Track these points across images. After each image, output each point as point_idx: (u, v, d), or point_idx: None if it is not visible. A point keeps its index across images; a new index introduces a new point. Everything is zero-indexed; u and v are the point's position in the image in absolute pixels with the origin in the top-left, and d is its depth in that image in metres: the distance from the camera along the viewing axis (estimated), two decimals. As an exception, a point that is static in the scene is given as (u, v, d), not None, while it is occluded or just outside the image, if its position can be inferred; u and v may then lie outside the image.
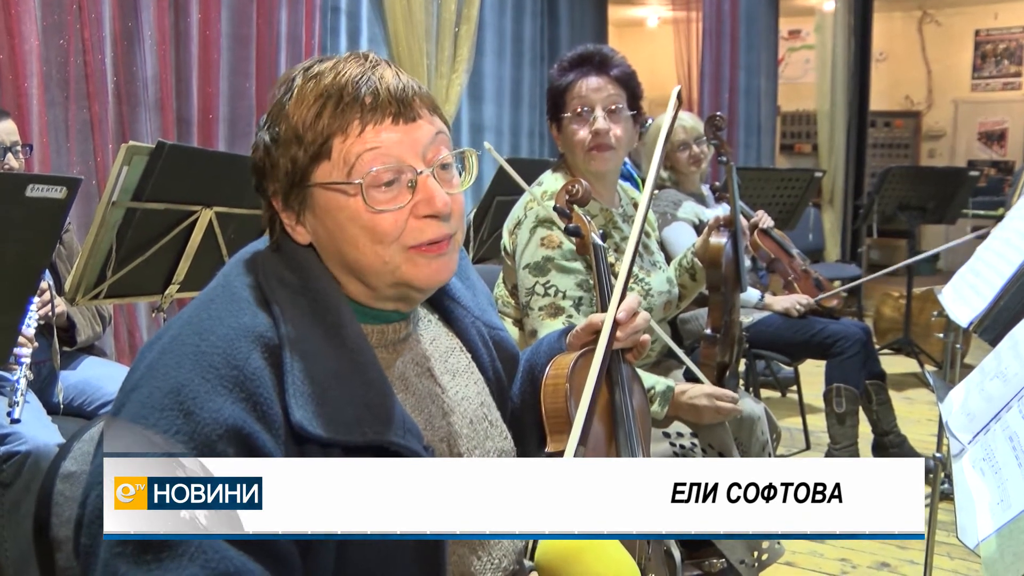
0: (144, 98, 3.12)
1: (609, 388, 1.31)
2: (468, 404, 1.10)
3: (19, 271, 1.74)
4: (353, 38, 4.24)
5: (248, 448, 0.84)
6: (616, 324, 1.24)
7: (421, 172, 0.95)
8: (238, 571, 0.81)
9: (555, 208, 1.59)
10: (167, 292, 2.20)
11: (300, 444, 0.88)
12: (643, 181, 3.72)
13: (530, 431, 1.26)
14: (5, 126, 2.30)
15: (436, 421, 1.05)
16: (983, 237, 1.92)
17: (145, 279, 2.14)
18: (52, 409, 2.24)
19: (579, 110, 1.90)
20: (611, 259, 1.88)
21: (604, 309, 1.29)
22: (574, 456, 1.10)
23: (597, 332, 1.24)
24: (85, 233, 2.10)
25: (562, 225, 1.83)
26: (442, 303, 1.16)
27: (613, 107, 1.90)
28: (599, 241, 1.54)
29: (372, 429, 0.91)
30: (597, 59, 1.92)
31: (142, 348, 0.95)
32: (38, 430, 2.04)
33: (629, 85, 1.94)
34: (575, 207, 1.57)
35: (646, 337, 1.32)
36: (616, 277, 1.32)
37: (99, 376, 2.39)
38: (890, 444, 3.38)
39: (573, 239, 1.58)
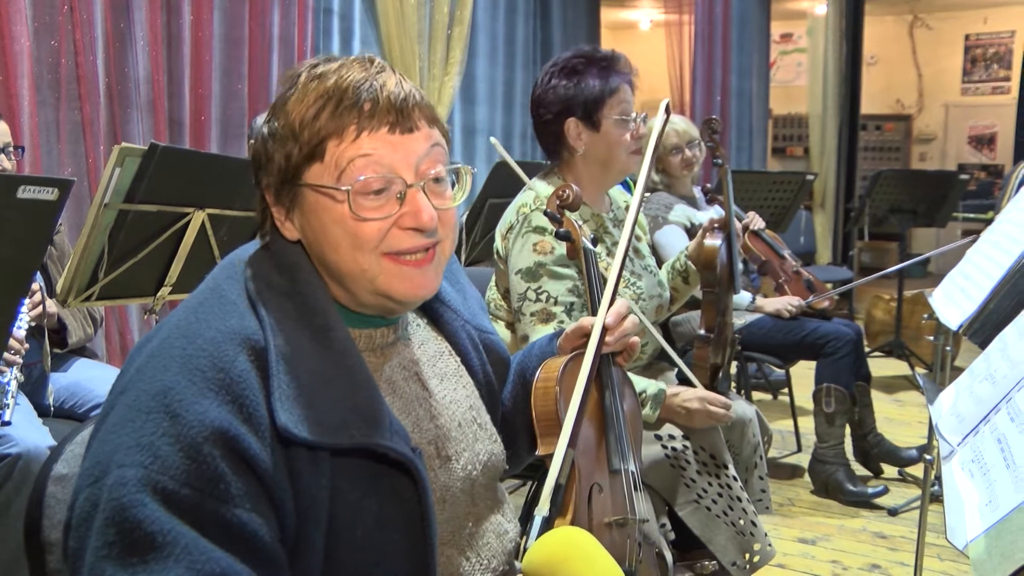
0: (136, 99, 3.11)
1: (599, 391, 1.32)
2: (456, 407, 1.10)
3: (10, 273, 1.73)
4: (346, 40, 4.24)
5: (234, 451, 0.83)
6: (605, 328, 1.25)
7: (411, 185, 0.96)
8: (224, 572, 0.81)
9: (546, 213, 1.60)
10: (159, 294, 2.19)
11: (287, 447, 0.87)
12: (633, 183, 3.73)
13: (521, 434, 1.27)
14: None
15: (424, 424, 1.05)
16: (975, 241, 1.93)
17: (137, 281, 2.14)
18: (43, 411, 2.23)
19: (625, 114, 1.93)
20: (603, 264, 1.89)
21: (595, 313, 1.29)
22: (563, 458, 1.11)
23: (587, 335, 1.25)
24: (76, 234, 2.09)
25: (554, 230, 1.84)
26: (432, 307, 1.16)
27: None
28: (590, 246, 1.54)
29: (359, 431, 0.91)
30: (623, 63, 1.96)
31: (132, 351, 0.94)
32: (28, 432, 2.03)
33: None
34: (566, 212, 1.58)
35: (635, 340, 1.33)
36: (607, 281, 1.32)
37: (90, 378, 2.38)
38: (869, 445, 3.40)
39: (564, 244, 1.59)
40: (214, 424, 0.83)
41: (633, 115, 1.94)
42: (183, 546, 0.79)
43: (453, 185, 1.02)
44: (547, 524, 1.06)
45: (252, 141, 1.01)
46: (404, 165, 0.95)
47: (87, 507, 0.82)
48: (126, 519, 0.79)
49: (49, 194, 1.68)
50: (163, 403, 0.83)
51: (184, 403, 0.83)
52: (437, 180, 0.98)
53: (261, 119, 3.60)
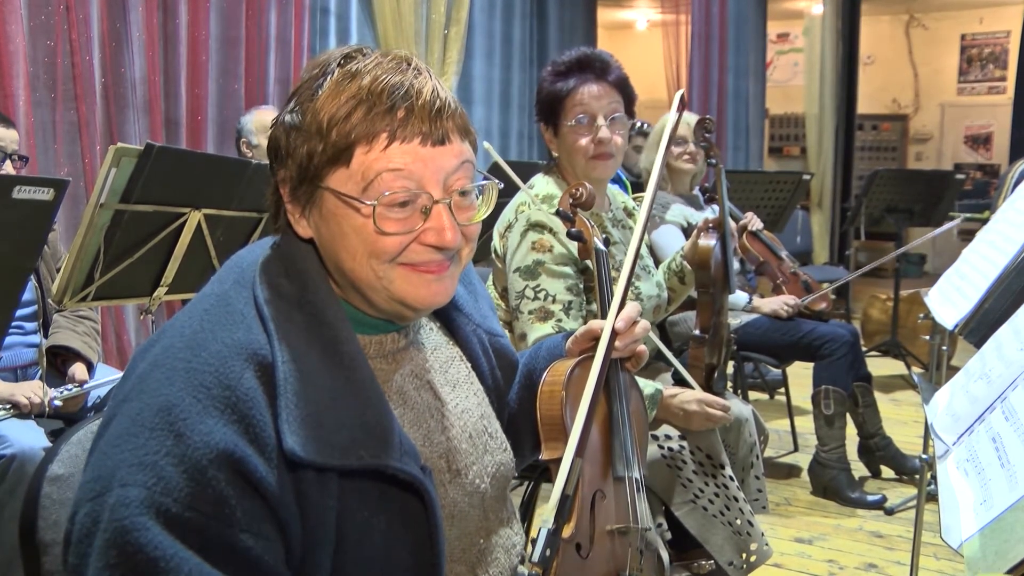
0: (132, 100, 3.11)
1: (607, 397, 1.29)
2: (468, 417, 1.08)
3: (5, 273, 1.73)
4: (342, 40, 4.23)
5: (239, 473, 0.80)
6: (615, 333, 1.21)
7: (438, 201, 0.92)
8: None
9: (558, 212, 1.57)
10: (155, 294, 2.19)
11: (293, 469, 0.84)
12: (632, 184, 3.74)
13: (525, 437, 1.24)
14: (10, 134, 2.34)
15: (435, 436, 1.02)
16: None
17: (133, 281, 2.13)
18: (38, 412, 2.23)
19: (581, 117, 1.89)
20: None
21: (605, 316, 1.27)
22: (570, 467, 1.08)
23: (596, 338, 1.22)
24: (72, 235, 2.09)
25: (555, 228, 1.83)
26: (445, 310, 1.13)
27: (615, 115, 1.89)
28: (601, 246, 1.51)
29: (368, 452, 0.88)
30: (597, 65, 1.89)
31: (135, 354, 0.91)
32: (23, 433, 2.03)
33: (625, 90, 1.93)
34: (579, 211, 1.56)
35: (643, 348, 1.30)
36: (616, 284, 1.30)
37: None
38: (876, 447, 3.39)
39: (576, 244, 1.56)
40: (219, 446, 0.79)
41: (582, 118, 1.88)
42: (186, 572, 0.77)
43: (479, 196, 0.99)
44: (553, 536, 1.04)
45: (273, 125, 0.97)
46: (433, 180, 0.92)
47: (88, 523, 0.79)
48: (128, 542, 0.77)
49: (45, 194, 1.67)
50: (167, 420, 0.80)
51: (189, 422, 0.80)
52: (463, 193, 0.95)
53: (247, 118, 3.55)
